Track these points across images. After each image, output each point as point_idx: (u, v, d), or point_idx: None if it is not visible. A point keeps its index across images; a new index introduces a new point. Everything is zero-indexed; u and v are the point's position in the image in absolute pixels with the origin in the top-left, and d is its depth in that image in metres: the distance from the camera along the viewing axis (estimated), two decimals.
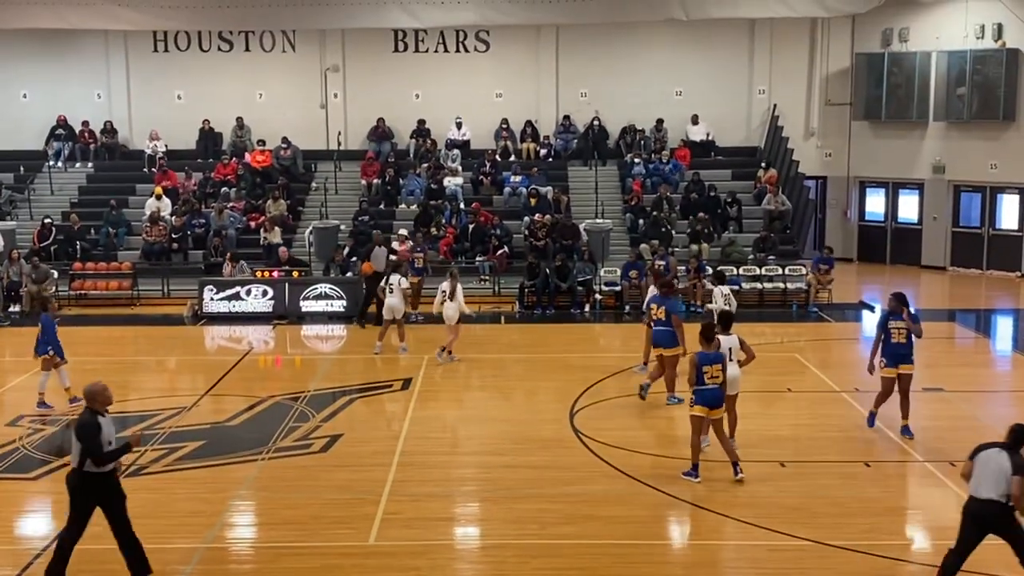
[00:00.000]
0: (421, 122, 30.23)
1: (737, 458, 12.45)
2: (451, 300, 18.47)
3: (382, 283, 19.67)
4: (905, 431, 14.08)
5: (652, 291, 16.82)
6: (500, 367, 19.04)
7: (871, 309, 24.04)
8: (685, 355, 14.88)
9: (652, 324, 16.02)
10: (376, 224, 27.01)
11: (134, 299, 24.83)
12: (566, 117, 30.35)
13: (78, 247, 26.06)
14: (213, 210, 27.00)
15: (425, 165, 28.92)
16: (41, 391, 15.94)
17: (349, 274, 23.97)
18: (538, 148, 30.09)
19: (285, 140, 29.53)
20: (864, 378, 17.31)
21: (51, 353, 15.89)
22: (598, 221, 26.46)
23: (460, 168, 29.12)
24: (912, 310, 14.34)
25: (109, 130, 30.43)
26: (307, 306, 23.17)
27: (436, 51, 30.67)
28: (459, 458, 13.73)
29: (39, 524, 11.76)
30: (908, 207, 30.29)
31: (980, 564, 10.17)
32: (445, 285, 18.65)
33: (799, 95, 30.53)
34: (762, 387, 16.48)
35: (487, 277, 25.26)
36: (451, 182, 28.28)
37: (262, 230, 26.42)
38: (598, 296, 24.12)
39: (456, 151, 29.64)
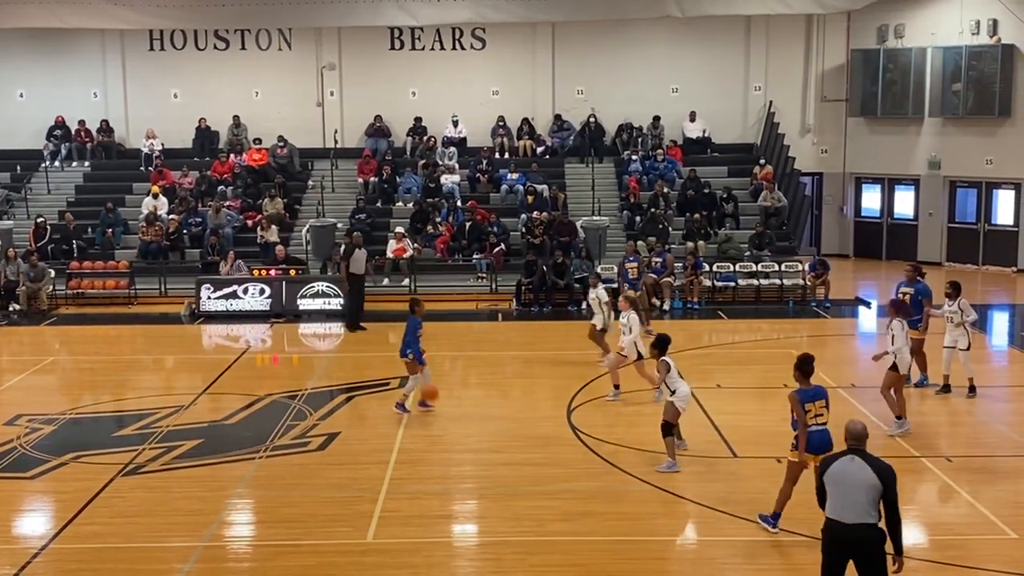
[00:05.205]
0: (418, 120, 30.25)
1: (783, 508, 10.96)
2: (628, 333, 15.69)
3: None
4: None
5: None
6: (497, 364, 19.07)
7: (867, 305, 24.08)
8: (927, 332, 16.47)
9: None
10: (373, 222, 27.09)
11: (131, 298, 24.80)
12: (561, 114, 30.36)
13: (74, 246, 26.07)
14: (210, 209, 26.99)
15: (422, 163, 28.94)
16: (405, 394, 15.40)
17: None
18: (535, 145, 30.10)
19: (281, 138, 29.53)
20: (860, 374, 17.40)
21: (411, 356, 15.16)
22: (595, 218, 26.48)
23: (457, 166, 29.10)
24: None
25: (105, 129, 30.43)
26: (304, 304, 23.19)
27: (432, 49, 30.67)
28: (456, 456, 13.74)
29: (37, 523, 11.75)
30: (904, 203, 30.32)
31: (979, 560, 10.21)
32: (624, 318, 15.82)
33: (795, 92, 30.57)
34: (758, 383, 16.54)
35: (484, 275, 25.28)
36: (448, 180, 28.29)
37: (259, 228, 26.44)
38: None
39: (453, 149, 29.64)
